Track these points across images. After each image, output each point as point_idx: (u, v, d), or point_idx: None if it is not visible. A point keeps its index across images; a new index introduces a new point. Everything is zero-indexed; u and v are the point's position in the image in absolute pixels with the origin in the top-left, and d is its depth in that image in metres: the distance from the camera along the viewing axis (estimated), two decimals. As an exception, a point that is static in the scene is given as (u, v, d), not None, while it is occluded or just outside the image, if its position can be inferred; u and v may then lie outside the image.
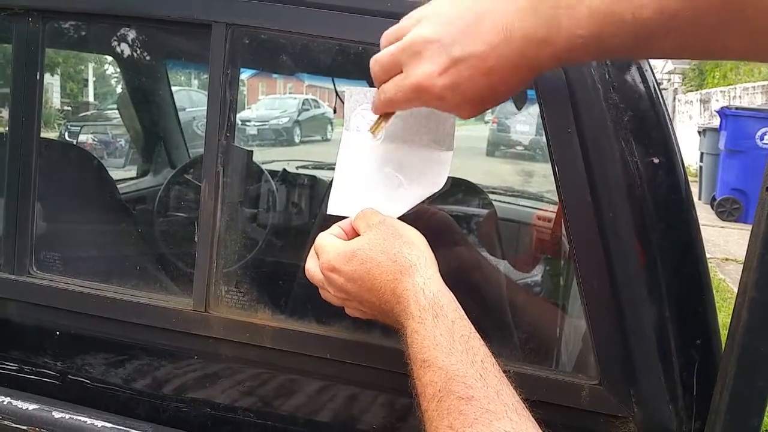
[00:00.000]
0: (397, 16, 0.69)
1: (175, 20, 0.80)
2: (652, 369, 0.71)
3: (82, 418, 0.85)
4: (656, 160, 0.71)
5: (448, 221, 0.89)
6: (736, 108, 7.41)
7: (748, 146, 6.69)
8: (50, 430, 0.84)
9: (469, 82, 0.54)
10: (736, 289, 0.66)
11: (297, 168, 2.34)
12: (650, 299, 0.71)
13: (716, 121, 7.55)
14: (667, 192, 0.72)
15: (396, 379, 0.76)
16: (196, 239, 0.82)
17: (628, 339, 0.71)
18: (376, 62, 0.61)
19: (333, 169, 2.34)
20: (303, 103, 10.51)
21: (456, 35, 0.54)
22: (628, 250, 0.71)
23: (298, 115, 10.40)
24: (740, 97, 9.62)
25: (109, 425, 0.84)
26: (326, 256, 0.65)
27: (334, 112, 2.10)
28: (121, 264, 1.19)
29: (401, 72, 0.58)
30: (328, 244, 0.66)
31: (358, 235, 0.68)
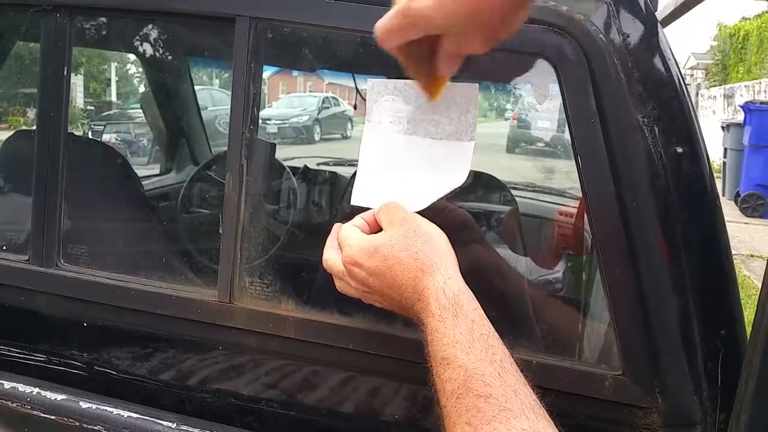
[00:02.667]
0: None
1: (200, 14, 0.81)
2: (676, 360, 0.71)
3: (109, 408, 0.86)
4: (680, 150, 0.71)
5: (468, 219, 0.89)
6: (761, 103, 7.27)
7: (775, 141, 6.57)
8: (77, 420, 0.86)
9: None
10: (760, 286, 0.65)
11: (318, 165, 2.35)
12: (674, 290, 0.71)
13: (740, 116, 7.42)
14: (691, 182, 0.71)
15: (418, 369, 0.77)
16: (220, 231, 0.83)
17: (651, 330, 0.71)
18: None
19: (353, 165, 2.37)
20: (323, 101, 10.55)
21: None
22: (652, 241, 0.71)
23: (318, 113, 10.45)
24: (765, 91, 9.45)
25: (135, 416, 0.85)
26: (349, 250, 0.66)
27: (355, 108, 2.11)
28: (145, 258, 1.21)
29: None
30: (351, 236, 0.67)
31: (380, 227, 0.68)
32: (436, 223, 0.67)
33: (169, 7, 0.82)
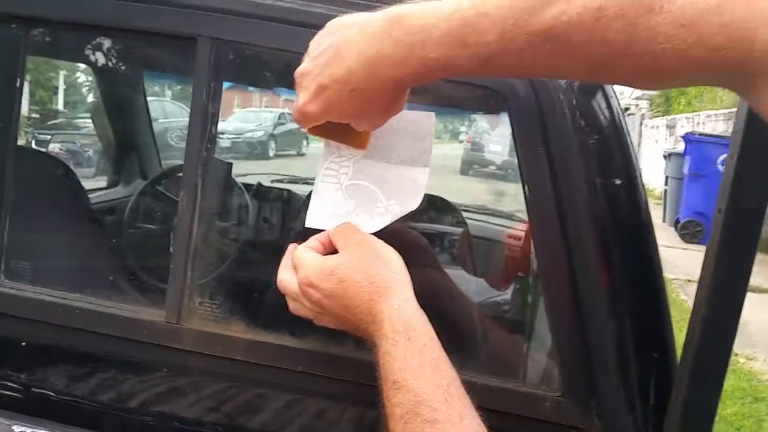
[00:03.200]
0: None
1: (160, 33, 0.81)
2: (612, 381, 0.74)
3: (45, 432, 0.84)
4: (618, 182, 0.75)
5: (421, 241, 0.91)
6: (700, 134, 7.65)
7: (710, 171, 6.89)
8: (12, 443, 0.83)
9: (338, 103, 0.60)
10: (690, 314, 0.69)
11: (272, 182, 2.34)
12: (611, 315, 0.74)
13: (681, 146, 7.78)
14: (628, 212, 0.76)
15: (366, 391, 0.78)
16: (171, 250, 0.83)
17: (590, 352, 0.74)
18: None
19: (308, 183, 2.37)
20: (279, 117, 10.49)
21: (322, 66, 0.60)
22: (592, 267, 0.75)
23: (274, 129, 10.37)
24: (704, 123, 9.94)
25: (74, 439, 0.83)
26: (305, 271, 0.66)
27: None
28: (90, 275, 1.18)
29: None
30: (306, 258, 0.67)
31: (335, 249, 0.69)
32: (390, 244, 0.69)
33: (130, 25, 0.82)
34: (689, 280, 5.32)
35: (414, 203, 0.73)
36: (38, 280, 0.93)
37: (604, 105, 0.78)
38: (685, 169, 7.39)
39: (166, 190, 2.19)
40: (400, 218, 0.72)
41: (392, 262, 0.66)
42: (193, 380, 0.86)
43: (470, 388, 0.60)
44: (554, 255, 0.75)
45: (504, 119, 0.81)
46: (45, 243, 1.10)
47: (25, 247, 0.99)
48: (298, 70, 0.63)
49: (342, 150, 0.76)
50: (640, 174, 0.78)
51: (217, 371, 0.84)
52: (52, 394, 0.89)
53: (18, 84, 0.87)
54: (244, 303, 0.89)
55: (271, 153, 10.17)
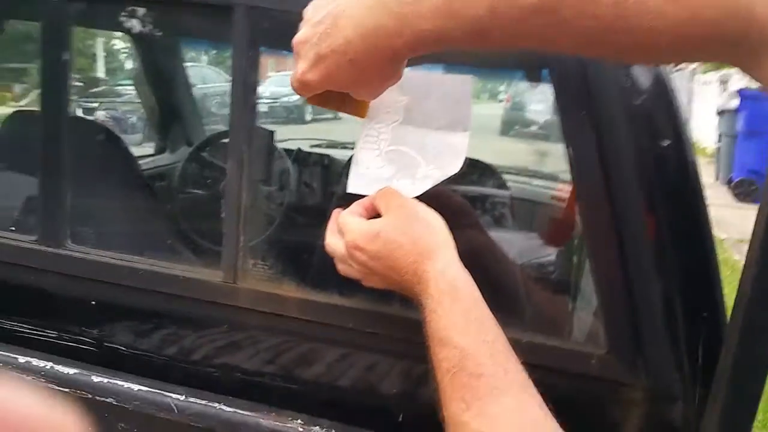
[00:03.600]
0: None
1: (197, 2, 0.83)
2: (659, 339, 0.75)
3: (120, 382, 0.90)
4: (667, 142, 0.74)
5: (464, 204, 0.93)
6: (755, 89, 7.31)
7: (765, 128, 6.62)
8: (90, 392, 0.90)
9: (337, 72, 0.60)
10: (741, 271, 0.69)
11: (311, 147, 2.38)
12: (659, 274, 0.75)
13: (734, 103, 7.47)
14: (676, 173, 0.75)
15: (412, 347, 0.81)
16: (222, 216, 0.86)
17: (636, 311, 0.75)
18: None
19: (346, 148, 2.40)
20: (314, 79, 10.44)
21: (321, 35, 0.60)
22: (639, 228, 0.74)
23: (309, 93, 10.36)
24: (758, 77, 9.47)
25: (144, 389, 0.89)
26: (351, 235, 0.69)
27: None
28: (146, 237, 1.24)
29: None
30: (351, 222, 0.70)
31: (379, 213, 0.72)
32: (432, 208, 0.70)
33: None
34: (741, 240, 5.17)
35: (455, 167, 0.73)
36: (101, 244, 0.98)
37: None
38: (739, 126, 7.11)
39: (210, 156, 2.25)
40: (441, 182, 0.74)
41: (434, 225, 0.68)
42: (250, 335, 0.90)
43: (517, 345, 0.62)
44: (600, 217, 0.75)
45: (546, 76, 0.80)
46: (104, 209, 1.15)
47: (87, 213, 1.05)
48: (297, 38, 0.63)
49: (381, 116, 0.77)
50: (689, 133, 0.77)
51: (270, 327, 0.89)
52: (123, 348, 0.96)
53: (67, 56, 0.90)
54: (295, 264, 0.93)
55: (308, 117, 10.16)
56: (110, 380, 0.90)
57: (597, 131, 0.73)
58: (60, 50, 0.91)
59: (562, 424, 0.56)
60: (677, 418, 0.76)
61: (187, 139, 2.64)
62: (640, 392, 0.76)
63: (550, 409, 0.57)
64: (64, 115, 0.94)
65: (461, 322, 0.60)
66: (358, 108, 0.72)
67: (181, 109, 2.55)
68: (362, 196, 0.75)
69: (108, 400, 0.89)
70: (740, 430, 0.69)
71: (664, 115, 0.75)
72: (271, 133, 1.54)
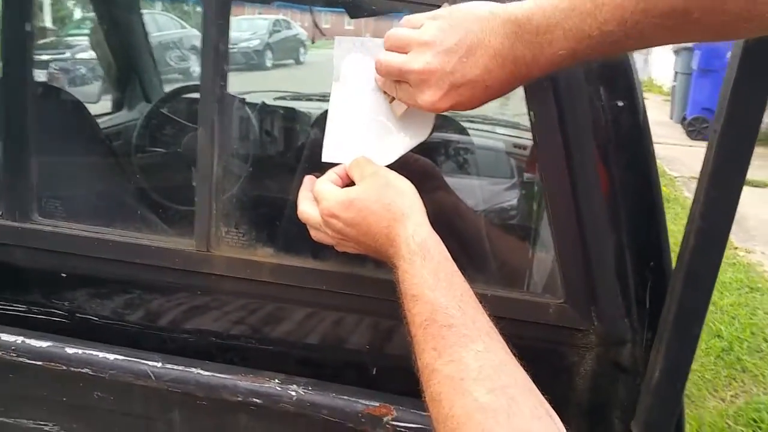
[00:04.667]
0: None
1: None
2: (611, 288, 0.81)
3: (95, 352, 0.92)
4: (621, 103, 0.78)
5: (431, 167, 0.96)
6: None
7: (719, 66, 6.74)
8: (65, 364, 0.92)
9: (467, 100, 0.65)
10: (686, 222, 0.75)
11: (275, 99, 2.34)
12: (610, 226, 0.80)
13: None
14: (629, 132, 0.79)
15: (380, 304, 0.85)
16: (194, 184, 0.88)
17: (590, 261, 0.80)
18: (383, 67, 0.70)
19: (311, 100, 2.36)
20: (274, 24, 10.10)
21: (456, 64, 0.63)
22: (592, 182, 0.79)
23: (269, 37, 10.02)
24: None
25: (121, 357, 0.91)
26: (326, 203, 0.72)
27: (313, 41, 2.09)
28: (111, 203, 1.23)
29: (407, 83, 0.69)
30: (326, 190, 0.73)
31: (352, 181, 0.74)
32: (402, 173, 0.73)
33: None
34: (693, 177, 5.35)
35: (424, 135, 0.76)
36: (69, 216, 0.98)
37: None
38: (694, 65, 7.23)
39: (171, 112, 2.21)
40: (411, 149, 0.76)
41: (405, 190, 0.71)
42: (225, 301, 0.93)
43: (482, 298, 0.66)
44: (558, 172, 0.79)
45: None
46: (70, 179, 1.14)
47: (54, 185, 1.04)
48: (425, 65, 0.65)
49: (350, 83, 0.79)
50: (642, 94, 0.80)
51: (245, 292, 0.92)
52: (96, 318, 0.98)
53: (29, 26, 0.88)
54: (268, 230, 0.95)
55: (269, 63, 9.87)
56: (85, 351, 0.92)
57: (556, 93, 0.76)
58: (19, 17, 0.89)
59: (523, 367, 0.61)
60: (626, 359, 0.83)
61: (145, 95, 2.57)
62: (593, 337, 0.83)
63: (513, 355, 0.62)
64: (27, 84, 0.92)
65: (431, 279, 0.64)
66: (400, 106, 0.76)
67: (139, 63, 2.47)
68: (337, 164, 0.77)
69: (83, 371, 0.92)
70: (682, 367, 0.76)
71: (619, 76, 0.78)
72: (242, 100, 1.52)
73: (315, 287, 0.88)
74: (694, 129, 7.37)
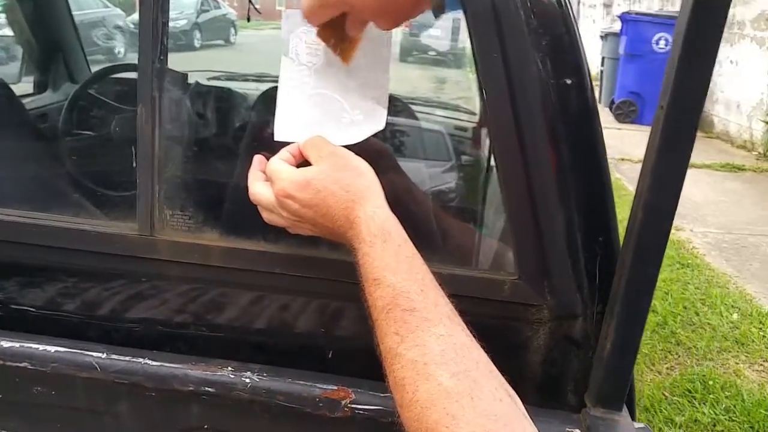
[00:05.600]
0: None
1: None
2: (562, 263, 0.82)
3: (33, 345, 0.87)
4: (569, 81, 0.79)
5: (384, 148, 0.94)
6: (637, 13, 7.69)
7: (645, 50, 7.03)
8: (1, 359, 0.86)
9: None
10: (631, 187, 0.77)
11: (208, 80, 2.26)
12: (561, 202, 0.81)
13: (617, 26, 7.83)
14: (577, 110, 0.80)
15: (336, 285, 0.84)
16: (135, 165, 0.83)
17: (542, 238, 0.82)
18: None
19: (247, 80, 2.29)
20: (202, 3, 9.78)
21: None
22: (543, 160, 0.80)
23: (197, 17, 9.68)
24: (641, 1, 9.94)
25: (63, 349, 0.86)
26: (281, 183, 0.69)
27: (248, 20, 2.03)
28: (46, 190, 1.16)
29: None
30: (282, 170, 0.70)
31: (306, 160, 0.72)
32: (355, 153, 0.72)
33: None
34: (623, 159, 5.59)
35: (380, 120, 0.75)
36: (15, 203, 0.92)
37: (555, 3, 0.80)
38: (621, 49, 7.50)
39: (98, 93, 2.11)
40: (368, 136, 0.75)
41: (364, 171, 0.70)
42: (170, 286, 0.89)
43: (439, 277, 0.66)
44: (509, 152, 0.79)
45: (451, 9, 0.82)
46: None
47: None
48: None
49: (301, 58, 0.76)
50: (589, 72, 0.82)
51: (193, 277, 0.88)
52: (32, 309, 0.92)
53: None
54: (213, 211, 0.92)
55: (197, 44, 9.56)
56: (23, 344, 0.87)
57: (507, 70, 0.77)
58: None
59: (481, 346, 0.62)
60: (578, 333, 0.85)
61: (70, 75, 2.44)
62: (546, 312, 0.84)
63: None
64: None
65: (393, 263, 0.64)
66: (346, 49, 0.72)
67: (64, 42, 2.34)
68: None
69: (22, 365, 0.86)
70: (632, 339, 0.79)
71: (568, 54, 0.79)
72: (185, 76, 1.46)
73: (266, 270, 0.86)
74: (621, 112, 7.67)
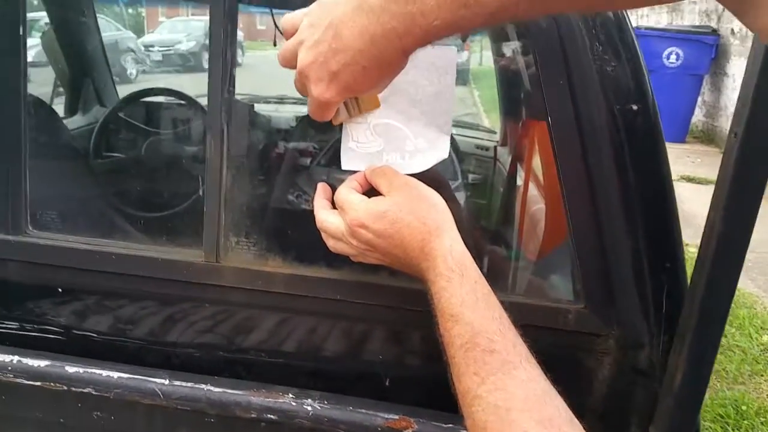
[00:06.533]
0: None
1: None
2: (629, 292, 0.82)
3: (97, 371, 0.87)
4: (635, 107, 0.79)
5: (443, 178, 0.94)
6: (646, 28, 7.66)
7: (656, 65, 6.98)
8: (65, 384, 0.86)
9: (353, 82, 0.60)
10: (703, 227, 0.76)
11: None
12: (628, 230, 0.81)
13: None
14: (643, 135, 0.80)
15: (397, 313, 0.84)
16: (201, 193, 0.84)
17: (608, 266, 0.81)
18: (284, 59, 0.65)
19: (269, 102, 2.30)
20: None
21: (326, 53, 0.59)
22: (609, 187, 0.80)
23: (205, 38, 9.78)
24: (647, 15, 9.88)
25: (126, 375, 0.86)
26: (355, 213, 0.69)
27: (275, 44, 2.04)
28: (96, 214, 1.17)
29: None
30: (354, 200, 0.70)
31: (372, 187, 0.72)
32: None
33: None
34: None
35: (443, 148, 0.75)
36: (66, 228, 0.93)
37: (619, 30, 0.80)
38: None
39: (129, 117, 2.14)
40: (434, 164, 0.75)
41: (437, 203, 0.70)
42: (233, 313, 0.89)
43: (507, 306, 0.65)
44: (577, 180, 0.79)
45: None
46: (58, 190, 1.08)
47: (47, 198, 0.98)
48: (300, 64, 0.61)
49: None
50: (653, 95, 0.82)
51: (258, 303, 0.88)
52: (95, 335, 0.92)
53: (21, 34, 0.82)
54: (277, 238, 0.92)
55: (206, 64, 9.67)
56: (86, 370, 0.87)
57: (573, 97, 0.77)
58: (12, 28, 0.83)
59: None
60: (644, 363, 0.84)
61: (99, 99, 2.48)
62: (612, 342, 0.84)
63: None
64: (21, 98, 0.86)
65: (471, 300, 0.63)
66: (372, 101, 0.72)
67: (94, 67, 2.38)
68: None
69: (86, 390, 0.86)
70: (703, 370, 0.78)
71: (632, 80, 0.79)
72: (251, 107, 1.47)
73: (329, 297, 0.86)
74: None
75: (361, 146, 0.77)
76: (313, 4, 0.62)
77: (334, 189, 0.76)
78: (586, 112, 0.78)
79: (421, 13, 0.53)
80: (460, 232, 0.70)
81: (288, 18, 0.66)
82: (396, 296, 0.84)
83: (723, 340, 2.95)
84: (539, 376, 0.60)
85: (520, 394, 0.58)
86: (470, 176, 1.83)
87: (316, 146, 1.41)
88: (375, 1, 0.55)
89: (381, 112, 0.77)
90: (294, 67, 0.64)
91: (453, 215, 0.78)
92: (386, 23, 0.55)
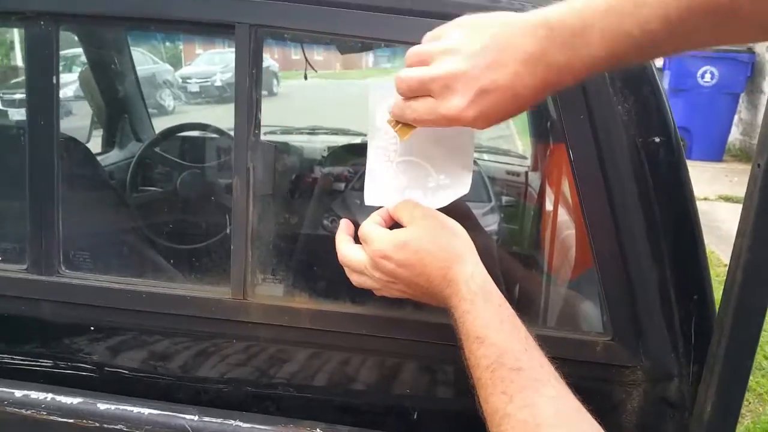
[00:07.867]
0: (418, 14, 0.73)
1: (199, 22, 0.81)
2: (657, 324, 0.81)
3: (128, 407, 0.89)
4: (657, 140, 0.79)
5: (467, 208, 0.95)
6: (678, 48, 7.57)
7: (690, 85, 6.91)
8: (97, 421, 0.88)
9: (495, 109, 0.59)
10: (729, 258, 0.75)
11: (264, 135, 2.33)
12: (654, 261, 0.80)
13: (659, 61, 7.76)
14: (666, 167, 0.80)
15: (424, 347, 0.84)
16: (228, 231, 0.86)
17: (635, 297, 0.80)
18: (404, 83, 0.64)
19: (302, 133, 2.34)
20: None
21: (483, 68, 0.58)
22: (634, 219, 0.79)
23: (240, 72, 10.04)
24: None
25: (156, 412, 0.88)
26: (378, 244, 0.70)
27: (305, 78, 2.09)
28: (130, 251, 1.21)
29: (429, 96, 0.62)
30: (376, 232, 0.71)
31: (397, 222, 0.74)
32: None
33: (167, 15, 0.82)
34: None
35: (465, 183, 0.76)
36: (98, 268, 0.96)
37: (641, 65, 0.80)
38: (666, 84, 7.41)
39: (166, 152, 2.19)
40: (456, 198, 0.76)
41: (458, 232, 0.71)
42: (261, 349, 0.91)
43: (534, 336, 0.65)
44: (600, 212, 0.79)
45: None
46: (95, 231, 1.12)
47: (79, 238, 1.02)
48: (449, 70, 0.59)
49: (387, 128, 0.79)
50: (675, 127, 0.82)
51: (285, 339, 0.90)
52: (126, 372, 0.95)
53: (54, 80, 0.86)
54: (304, 275, 0.94)
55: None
56: (118, 406, 0.89)
57: (594, 134, 0.77)
58: (46, 74, 0.87)
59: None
60: (673, 394, 0.83)
61: (135, 134, 2.55)
62: (640, 373, 0.83)
63: None
64: (54, 140, 0.90)
65: (495, 321, 0.64)
66: (405, 132, 0.72)
67: (130, 103, 2.46)
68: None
69: (117, 427, 0.88)
70: (734, 400, 0.76)
71: (654, 112, 0.79)
72: (275, 147, 1.50)
73: (354, 332, 0.87)
74: (669, 148, 7.49)
75: (384, 183, 0.78)
76: (467, 18, 0.61)
77: (357, 225, 0.77)
78: (607, 145, 0.78)
79: (585, 44, 0.53)
80: (488, 257, 0.70)
81: (430, 33, 0.65)
82: (420, 330, 0.85)
83: (764, 363, 2.86)
84: (569, 394, 0.60)
85: (550, 410, 0.58)
86: (503, 199, 1.83)
87: (348, 174, 1.42)
88: (542, 30, 0.55)
89: (404, 149, 0.78)
90: (415, 84, 0.62)
91: (476, 244, 0.79)
92: (551, 54, 0.55)
